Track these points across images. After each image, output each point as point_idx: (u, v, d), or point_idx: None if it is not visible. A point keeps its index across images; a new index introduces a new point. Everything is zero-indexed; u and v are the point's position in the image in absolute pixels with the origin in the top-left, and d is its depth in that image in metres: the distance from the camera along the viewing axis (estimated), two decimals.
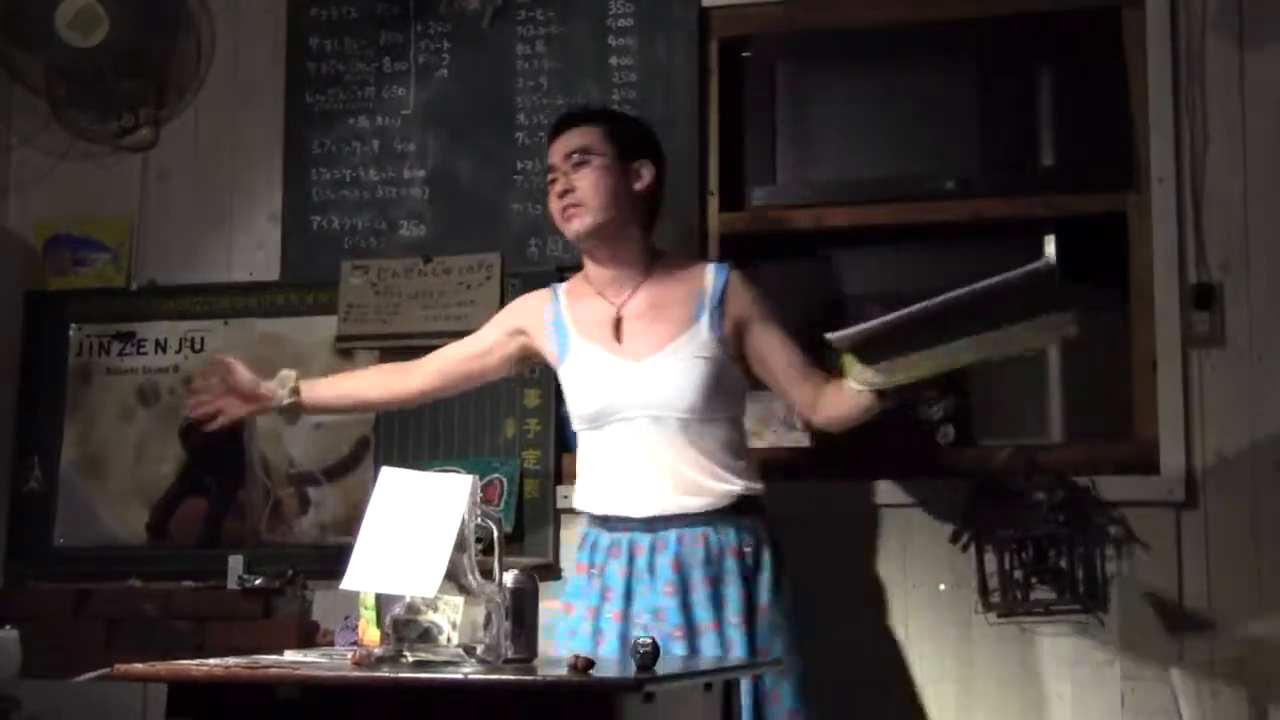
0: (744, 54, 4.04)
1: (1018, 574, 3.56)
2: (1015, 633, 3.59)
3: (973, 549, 3.60)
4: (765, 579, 3.14)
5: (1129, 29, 3.75)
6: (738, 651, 3.05)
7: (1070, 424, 3.83)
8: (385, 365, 3.63)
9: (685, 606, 3.08)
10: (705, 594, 3.09)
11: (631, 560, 3.14)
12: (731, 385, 3.20)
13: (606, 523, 3.20)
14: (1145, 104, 3.69)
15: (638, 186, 3.26)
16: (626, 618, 3.11)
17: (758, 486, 3.20)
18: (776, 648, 3.09)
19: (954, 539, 3.62)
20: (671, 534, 3.12)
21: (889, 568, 3.67)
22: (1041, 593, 3.57)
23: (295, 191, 4.18)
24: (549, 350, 3.33)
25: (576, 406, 3.26)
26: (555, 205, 3.26)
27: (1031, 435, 3.79)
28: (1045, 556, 3.55)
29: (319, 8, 4.22)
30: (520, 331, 3.38)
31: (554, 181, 3.26)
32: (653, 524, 3.13)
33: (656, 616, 3.08)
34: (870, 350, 3.00)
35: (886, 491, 3.69)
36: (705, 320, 3.18)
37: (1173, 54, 3.67)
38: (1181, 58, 3.67)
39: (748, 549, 3.14)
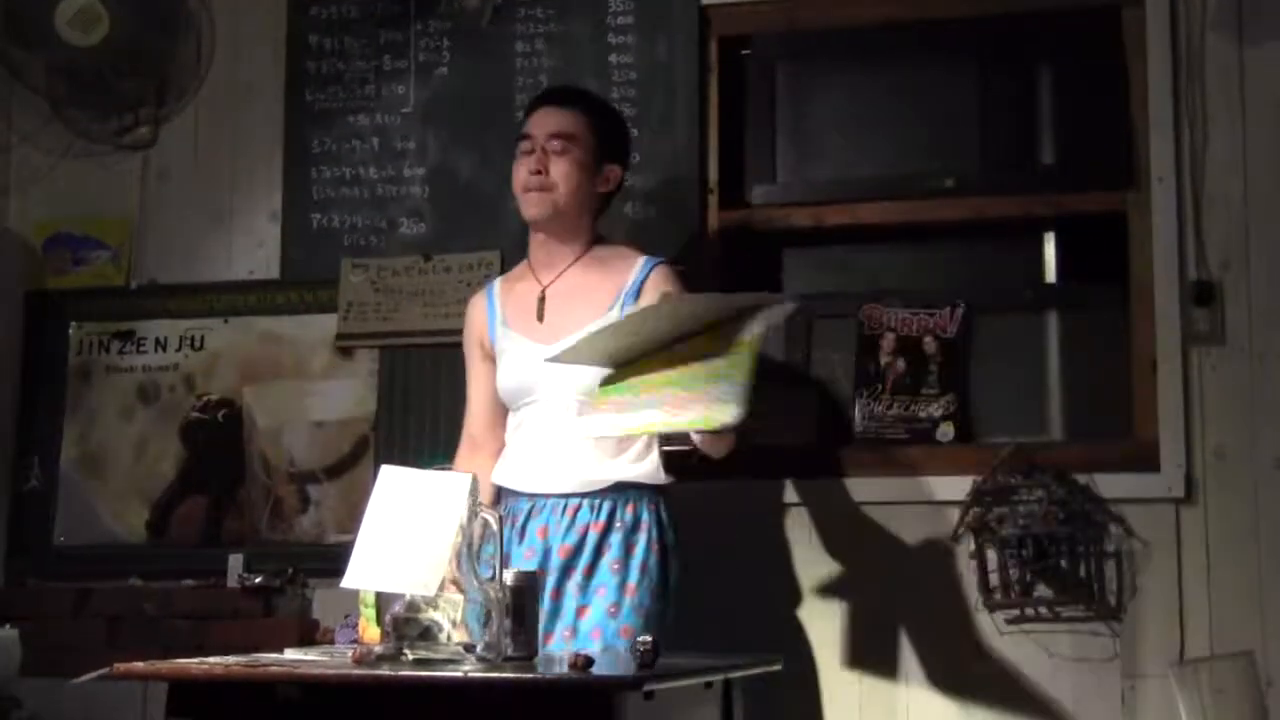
0: (744, 52, 4.04)
1: (1018, 572, 3.56)
2: (1015, 631, 3.59)
3: (972, 547, 3.60)
4: (634, 561, 3.15)
5: (1129, 28, 3.75)
6: (565, 620, 3.10)
7: (1070, 422, 3.83)
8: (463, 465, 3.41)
9: (540, 570, 3.12)
10: (559, 562, 3.15)
11: (511, 527, 3.22)
12: None
13: (502, 495, 3.29)
14: (1145, 103, 3.69)
15: (602, 189, 3.33)
16: None
17: (644, 470, 3.19)
18: (614, 629, 3.09)
19: (954, 537, 3.62)
20: (548, 504, 3.20)
21: (889, 566, 3.66)
22: (1041, 591, 3.57)
23: (295, 190, 4.17)
24: (489, 346, 3.38)
25: (500, 389, 3.33)
26: (521, 176, 3.29)
27: (1031, 433, 3.79)
28: (1045, 555, 3.55)
29: (319, 6, 4.21)
30: (481, 345, 3.41)
31: (529, 152, 3.29)
32: (534, 498, 3.22)
33: None
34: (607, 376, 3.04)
35: (887, 489, 3.68)
36: (618, 310, 3.20)
37: (1172, 53, 3.67)
38: (1181, 57, 3.67)
39: (618, 525, 3.15)
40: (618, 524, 3.16)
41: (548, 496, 3.20)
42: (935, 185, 3.85)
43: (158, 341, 4.22)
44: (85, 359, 4.25)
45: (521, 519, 3.22)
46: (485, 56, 4.09)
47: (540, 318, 3.28)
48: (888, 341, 3.81)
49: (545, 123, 3.30)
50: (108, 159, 4.32)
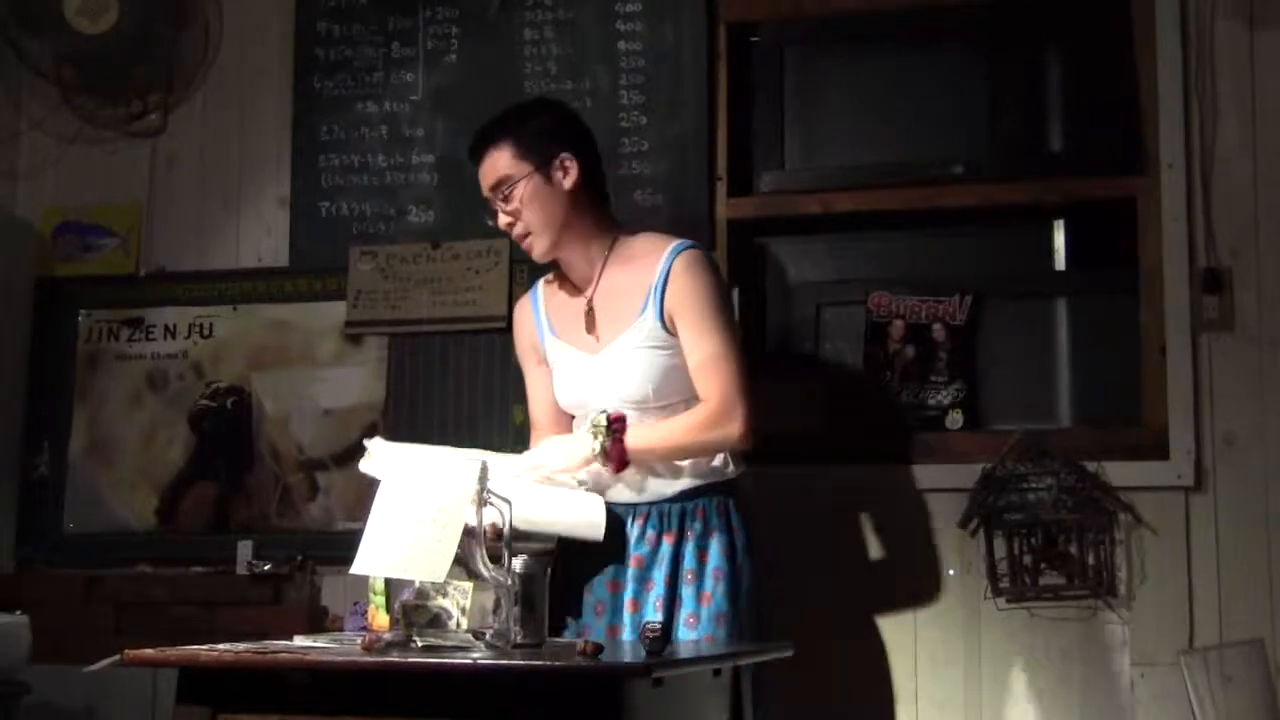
0: (752, 38, 4.04)
1: (1026, 559, 3.56)
2: (1024, 618, 3.59)
3: (982, 534, 3.60)
4: (709, 569, 3.09)
5: (1139, 13, 3.73)
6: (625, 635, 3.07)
7: (1079, 409, 3.82)
8: None
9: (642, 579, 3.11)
10: (634, 572, 3.10)
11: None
12: (684, 372, 3.13)
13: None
14: (1155, 88, 3.68)
15: (567, 185, 3.17)
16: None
17: (716, 469, 3.13)
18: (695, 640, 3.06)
19: (963, 524, 3.62)
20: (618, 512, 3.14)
21: (898, 553, 3.66)
22: (1050, 578, 3.57)
23: (304, 177, 4.17)
24: (542, 352, 3.31)
25: (558, 400, 3.27)
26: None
27: (1040, 420, 3.78)
28: (1054, 542, 3.55)
29: None
30: (535, 351, 3.33)
31: (493, 209, 3.23)
32: (619, 506, 3.15)
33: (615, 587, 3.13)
34: None
35: (896, 476, 3.68)
36: (651, 310, 3.12)
37: (1183, 37, 3.66)
38: (1191, 41, 3.66)
39: (690, 533, 3.10)
40: (689, 532, 3.10)
41: (617, 505, 3.13)
42: (944, 172, 3.84)
43: (166, 329, 4.23)
44: (94, 346, 4.26)
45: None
46: (493, 44, 4.08)
47: (590, 329, 3.20)
48: (896, 329, 3.81)
49: (483, 180, 3.21)
50: (117, 146, 4.32)
